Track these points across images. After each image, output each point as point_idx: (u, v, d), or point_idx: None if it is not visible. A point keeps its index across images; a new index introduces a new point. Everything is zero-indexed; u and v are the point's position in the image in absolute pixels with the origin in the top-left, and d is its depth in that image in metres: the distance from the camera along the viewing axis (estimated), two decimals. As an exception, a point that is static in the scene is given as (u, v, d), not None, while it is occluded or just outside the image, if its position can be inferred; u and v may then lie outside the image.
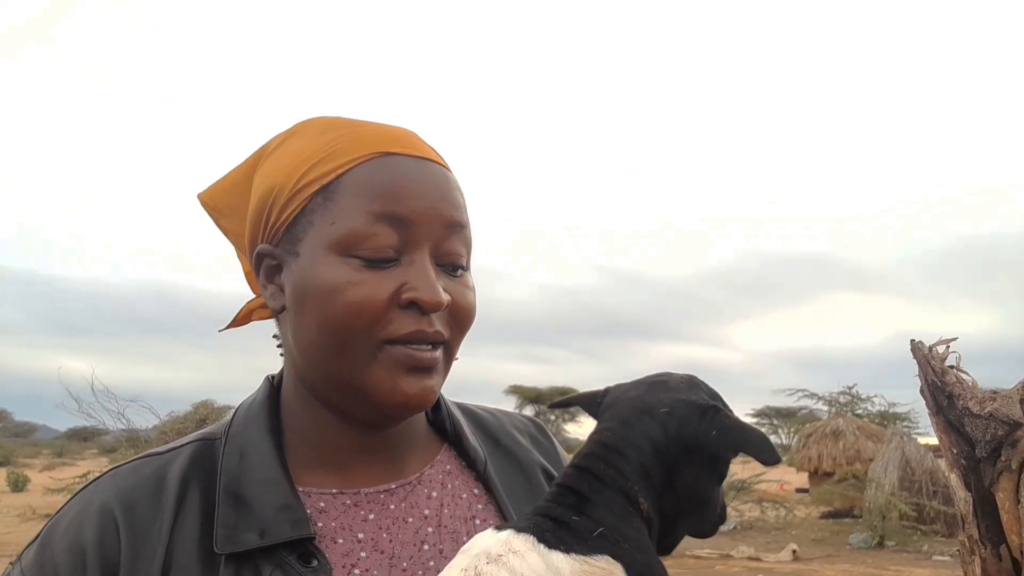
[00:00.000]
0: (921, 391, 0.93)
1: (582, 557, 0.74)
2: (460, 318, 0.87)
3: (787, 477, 23.44)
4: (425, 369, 0.84)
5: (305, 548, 0.81)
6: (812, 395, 22.38)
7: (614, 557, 0.76)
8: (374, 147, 0.87)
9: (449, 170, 0.92)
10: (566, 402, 1.05)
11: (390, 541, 0.87)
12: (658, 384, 0.91)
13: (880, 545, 14.19)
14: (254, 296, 0.97)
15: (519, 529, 0.77)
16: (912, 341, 1.02)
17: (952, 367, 0.93)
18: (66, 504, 0.86)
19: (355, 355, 0.82)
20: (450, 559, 0.80)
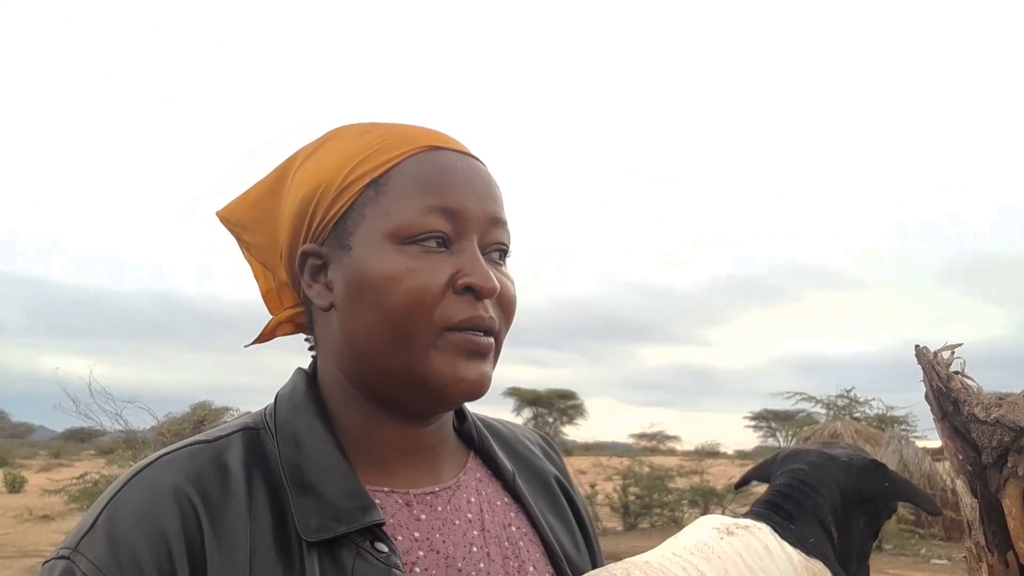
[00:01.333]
0: (926, 397, 0.93)
1: (804, 556, 0.91)
2: (506, 307, 0.89)
3: (785, 480, 23.33)
4: (482, 355, 0.86)
5: (374, 534, 0.81)
6: (810, 398, 22.31)
7: (825, 563, 0.93)
8: (422, 141, 0.90)
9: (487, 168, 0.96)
10: (744, 481, 1.31)
11: (443, 542, 0.87)
12: (831, 444, 1.09)
13: (878, 549, 14.18)
14: (280, 310, 0.99)
15: (757, 514, 0.99)
16: (917, 347, 1.02)
17: (957, 372, 0.93)
18: (121, 489, 0.79)
19: (416, 343, 0.83)
20: (498, 563, 0.88)
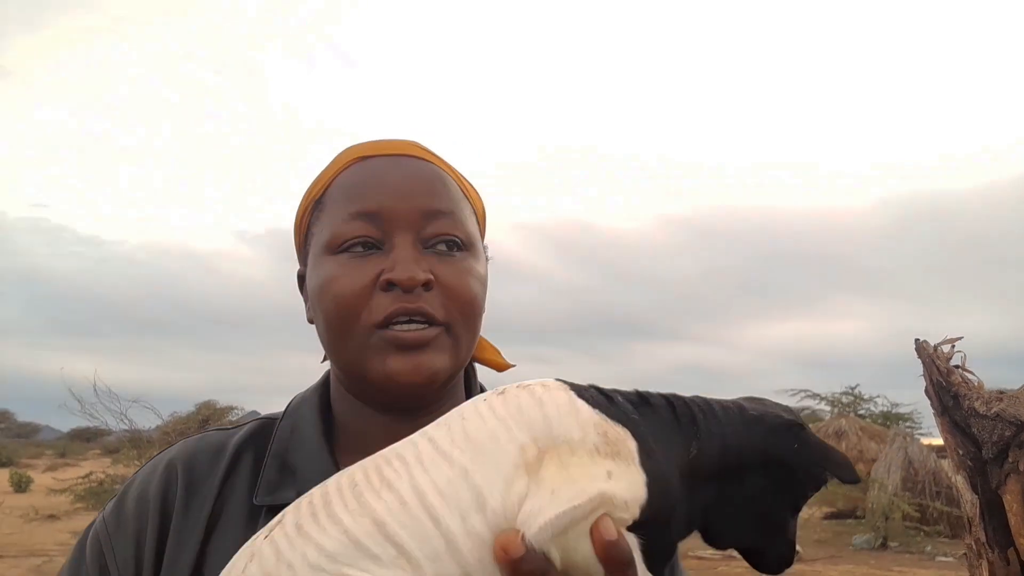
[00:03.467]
0: (926, 391, 0.92)
1: (604, 416, 0.75)
2: (455, 298, 0.91)
3: (790, 478, 23.31)
4: (417, 346, 0.88)
5: None
6: (815, 395, 22.32)
7: (633, 434, 0.75)
8: (353, 154, 0.98)
9: (436, 163, 0.99)
10: None
11: None
12: (757, 399, 0.93)
13: (883, 546, 14.15)
14: None
15: (560, 378, 0.80)
16: (917, 341, 1.01)
17: (957, 367, 0.92)
18: (142, 467, 0.98)
19: (352, 345, 0.90)
20: None
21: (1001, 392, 0.84)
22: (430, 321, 0.89)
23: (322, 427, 0.96)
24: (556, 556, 0.69)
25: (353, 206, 0.92)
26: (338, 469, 0.89)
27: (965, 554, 0.79)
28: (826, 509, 18.01)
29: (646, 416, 0.79)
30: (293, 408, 1.00)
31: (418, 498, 0.69)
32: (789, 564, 0.93)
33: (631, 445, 0.74)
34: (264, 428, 0.99)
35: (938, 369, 0.86)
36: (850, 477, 0.84)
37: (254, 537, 0.74)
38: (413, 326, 0.88)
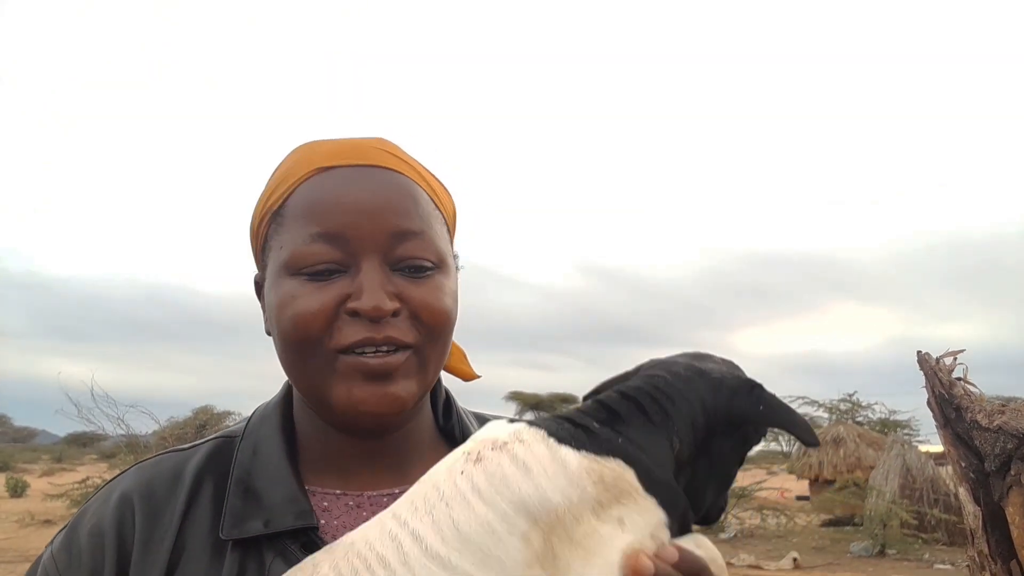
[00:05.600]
0: (928, 403, 0.93)
1: (593, 456, 0.71)
2: (426, 320, 0.87)
3: (788, 484, 23.35)
4: (382, 375, 0.85)
5: (308, 538, 0.84)
6: (812, 402, 22.28)
7: (627, 463, 0.72)
8: (314, 164, 0.90)
9: (404, 172, 0.92)
10: (595, 391, 0.97)
11: None
12: (704, 356, 0.90)
13: (881, 553, 14.12)
14: None
15: (532, 423, 0.75)
16: (919, 353, 1.01)
17: (959, 379, 0.92)
18: (93, 495, 0.92)
19: (314, 369, 0.86)
20: None
21: (1003, 405, 0.84)
22: (397, 347, 0.85)
23: (285, 447, 0.91)
24: None
25: (315, 226, 0.86)
26: (304, 493, 0.87)
27: (968, 566, 0.80)
28: (824, 516, 17.98)
29: (625, 431, 0.76)
30: (254, 426, 0.94)
31: None
32: (724, 512, 0.92)
33: (629, 477, 0.72)
34: (223, 449, 0.93)
35: (940, 382, 0.87)
36: (812, 440, 0.83)
37: None
38: (380, 353, 0.84)
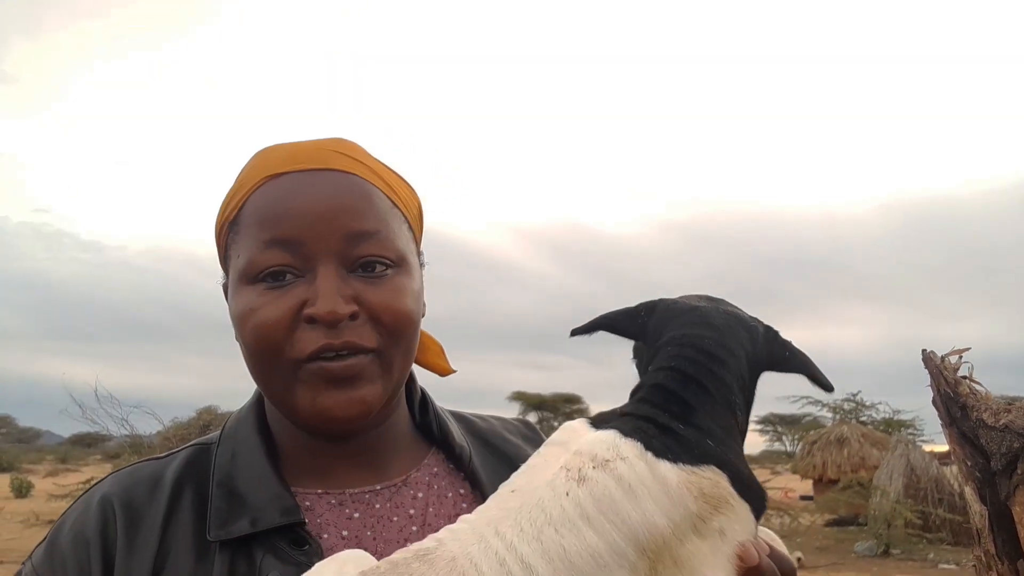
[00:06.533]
0: (934, 402, 0.92)
1: (690, 467, 0.71)
2: (386, 322, 0.86)
3: (791, 484, 23.33)
4: (347, 379, 0.84)
5: (296, 534, 0.84)
6: (816, 402, 22.26)
7: (720, 467, 0.73)
8: (265, 171, 0.89)
9: (358, 173, 0.91)
10: (592, 326, 0.93)
11: (374, 539, 0.89)
12: (723, 300, 0.88)
13: (886, 553, 14.10)
14: None
15: (625, 433, 0.74)
16: (924, 351, 1.01)
17: (965, 378, 0.92)
18: (71, 506, 0.92)
19: (278, 378, 0.86)
20: None
21: (1009, 403, 0.84)
22: (358, 351, 0.84)
23: (264, 448, 0.91)
24: None
25: (267, 233, 0.85)
26: (289, 492, 0.87)
27: (974, 566, 0.79)
28: (828, 516, 17.96)
29: (706, 426, 0.76)
30: (229, 432, 0.95)
31: None
32: None
33: (724, 484, 0.72)
34: (201, 455, 0.93)
35: (946, 380, 0.86)
36: (829, 384, 0.85)
37: None
38: (339, 357, 0.83)
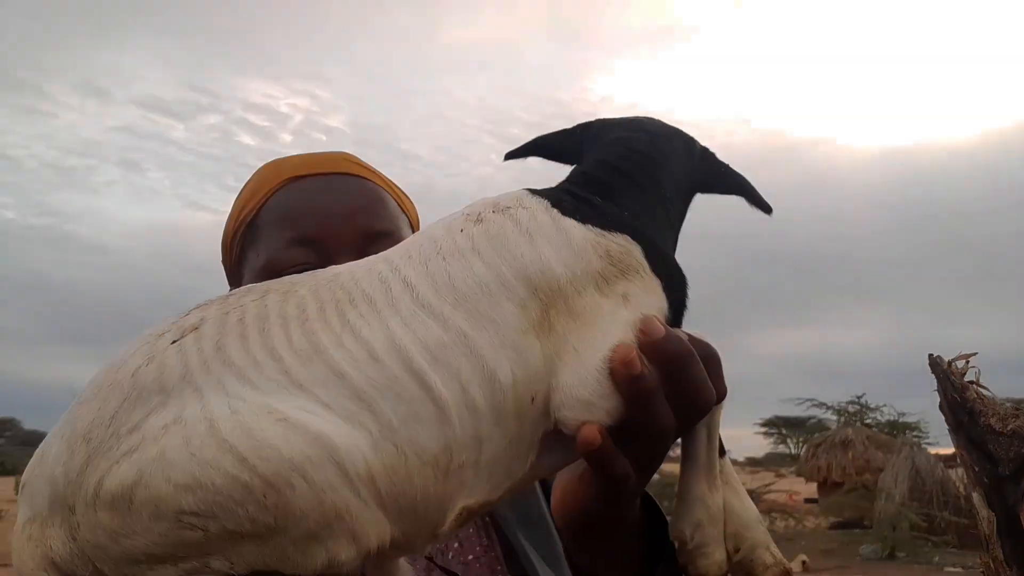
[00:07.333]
0: (940, 407, 0.92)
1: (599, 229, 0.68)
2: None
3: (796, 487, 23.30)
4: None
5: None
6: (821, 404, 22.24)
7: (634, 237, 0.69)
8: (285, 174, 0.94)
9: (370, 179, 0.96)
10: (527, 148, 0.89)
11: None
12: (653, 119, 0.85)
13: (891, 556, 14.07)
14: None
15: (534, 192, 0.72)
16: (931, 356, 1.00)
17: (972, 382, 0.91)
18: None
19: None
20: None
21: (1017, 408, 0.83)
22: None
23: None
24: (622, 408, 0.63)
25: (290, 232, 0.89)
26: None
27: (983, 572, 0.79)
28: (833, 519, 17.93)
29: (627, 205, 0.72)
30: None
31: (398, 356, 0.60)
32: None
33: (637, 254, 0.69)
34: None
35: (952, 385, 0.86)
36: (767, 205, 0.82)
37: (155, 331, 0.63)
38: None
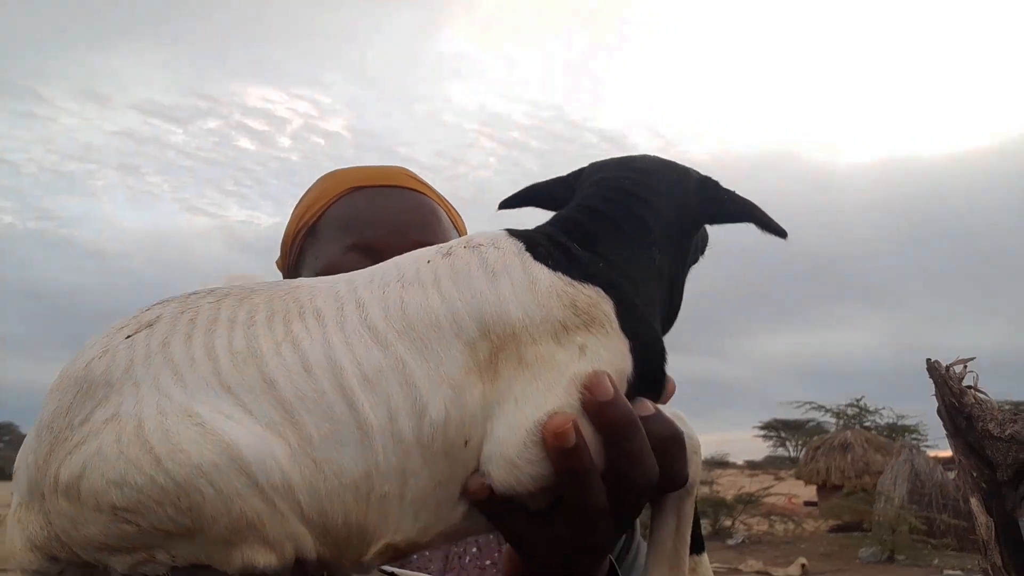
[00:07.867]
0: (939, 412, 0.91)
1: (568, 279, 0.65)
2: None
3: (795, 490, 23.26)
4: None
5: None
6: (820, 407, 22.21)
7: (607, 291, 0.66)
8: (347, 184, 1.00)
9: (427, 194, 1.02)
10: (521, 198, 0.87)
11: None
12: (644, 156, 0.82)
13: (890, 559, 14.03)
14: None
15: (513, 232, 0.70)
16: (928, 361, 1.00)
17: (970, 387, 0.91)
18: None
19: None
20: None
21: (1015, 413, 0.83)
22: None
23: None
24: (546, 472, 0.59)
25: (349, 238, 0.94)
26: None
27: (981, 577, 0.78)
28: (832, 522, 17.89)
29: (606, 254, 0.69)
30: None
31: (331, 373, 0.60)
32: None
33: (606, 307, 0.65)
34: None
35: (951, 390, 0.86)
36: (781, 229, 0.78)
37: (118, 324, 0.64)
38: None
